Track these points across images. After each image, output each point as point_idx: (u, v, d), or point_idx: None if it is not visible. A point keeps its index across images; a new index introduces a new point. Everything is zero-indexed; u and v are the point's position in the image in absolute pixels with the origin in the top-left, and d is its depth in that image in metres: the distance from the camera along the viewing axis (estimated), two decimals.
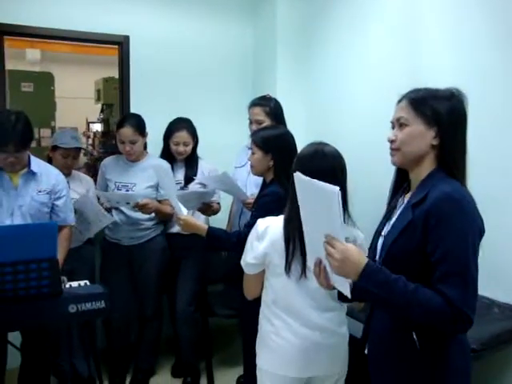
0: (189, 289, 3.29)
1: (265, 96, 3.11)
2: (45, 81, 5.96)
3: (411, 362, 1.52)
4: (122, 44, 3.59)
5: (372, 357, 1.67)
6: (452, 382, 1.52)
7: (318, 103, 3.67)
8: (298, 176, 1.49)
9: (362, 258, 1.42)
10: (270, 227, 1.92)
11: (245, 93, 3.70)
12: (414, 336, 1.48)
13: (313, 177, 1.41)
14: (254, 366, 2.06)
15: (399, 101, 1.60)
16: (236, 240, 2.30)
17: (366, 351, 1.71)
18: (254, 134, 2.57)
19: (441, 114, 1.50)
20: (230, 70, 3.95)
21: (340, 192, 1.31)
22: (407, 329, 1.50)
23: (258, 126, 2.91)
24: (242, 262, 2.01)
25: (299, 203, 1.54)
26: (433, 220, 1.42)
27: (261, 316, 2.02)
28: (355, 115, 3.28)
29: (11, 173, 2.65)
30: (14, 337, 2.76)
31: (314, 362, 1.93)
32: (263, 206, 2.33)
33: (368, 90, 3.18)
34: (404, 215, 1.54)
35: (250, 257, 1.95)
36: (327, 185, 1.34)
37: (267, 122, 2.95)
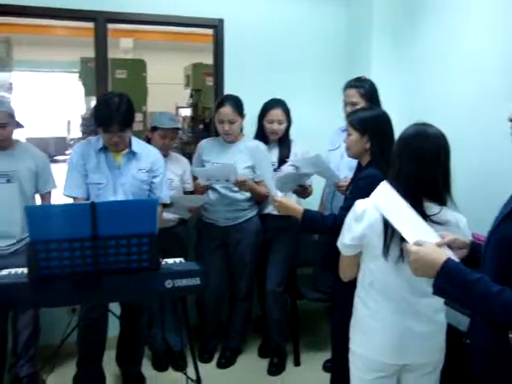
0: (279, 270, 3.31)
1: (360, 77, 3.05)
2: (137, 68, 6.17)
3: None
4: (216, 27, 3.63)
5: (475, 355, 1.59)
6: None
7: (414, 86, 3.54)
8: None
9: (440, 257, 1.39)
10: (369, 208, 1.87)
11: (339, 75, 3.63)
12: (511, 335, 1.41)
13: (415, 158, 1.46)
14: (343, 350, 2.03)
15: None
16: (331, 223, 2.27)
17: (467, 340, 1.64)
18: (350, 115, 2.52)
19: None
20: (324, 52, 3.89)
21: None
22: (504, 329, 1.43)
23: (353, 107, 2.86)
24: (339, 243, 1.98)
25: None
26: None
27: (356, 299, 1.99)
28: (451, 100, 3.15)
29: (115, 153, 2.79)
30: (115, 308, 2.91)
31: (409, 348, 1.87)
32: (360, 189, 2.28)
33: (463, 76, 3.04)
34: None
35: (348, 238, 1.92)
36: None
37: (362, 104, 2.89)
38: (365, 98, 2.92)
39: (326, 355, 3.15)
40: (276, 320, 3.34)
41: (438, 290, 1.44)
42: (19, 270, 2.39)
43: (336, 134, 3.17)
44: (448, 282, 1.38)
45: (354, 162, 2.56)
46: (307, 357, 3.42)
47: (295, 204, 2.51)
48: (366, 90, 2.95)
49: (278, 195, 2.52)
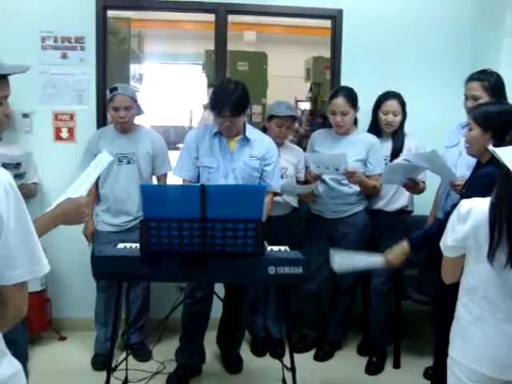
0: (386, 268, 3.21)
1: (485, 70, 2.85)
2: (259, 60, 6.27)
3: None
4: (335, 18, 3.60)
5: None
6: None
7: None
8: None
9: None
10: (475, 208, 1.74)
11: (460, 68, 3.41)
12: None
13: None
14: (446, 357, 1.91)
15: None
16: (437, 232, 2.15)
17: None
18: (474, 109, 2.37)
19: None
20: (446, 44, 3.69)
21: None
22: None
23: (474, 102, 2.69)
24: (442, 245, 1.86)
25: None
26: None
27: (459, 303, 1.86)
28: None
29: (229, 138, 2.87)
30: (219, 291, 3.02)
31: None
32: (476, 188, 2.14)
33: None
34: None
35: (451, 239, 1.80)
36: None
37: (485, 99, 2.71)
38: (488, 92, 2.73)
39: (428, 362, 3.00)
40: (378, 318, 3.26)
41: None
42: (133, 245, 2.57)
43: (455, 131, 3.00)
44: None
45: (472, 161, 2.42)
46: (408, 360, 3.28)
47: (399, 247, 2.42)
48: (491, 83, 2.75)
49: None
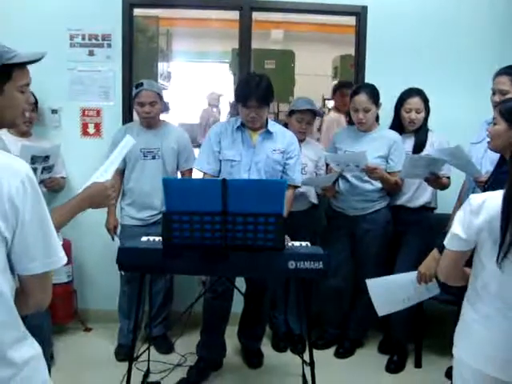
0: (409, 265, 3.16)
1: None
2: (286, 58, 6.27)
3: None
4: (359, 14, 3.58)
5: None
6: None
7: None
8: None
9: None
10: (488, 201, 1.68)
11: (485, 64, 3.35)
12: None
13: None
14: None
15: None
16: None
17: None
18: (501, 103, 2.33)
19: None
20: (470, 40, 3.62)
21: None
22: None
23: (502, 96, 2.64)
24: (449, 237, 1.77)
25: None
26: None
27: (465, 302, 1.81)
28: None
29: (252, 131, 2.90)
30: (240, 285, 3.04)
31: None
32: (501, 184, 2.10)
33: None
34: None
35: (460, 229, 1.71)
36: None
37: None
38: None
39: (451, 361, 2.95)
40: (400, 316, 3.18)
41: None
42: (157, 238, 2.61)
43: (482, 127, 2.95)
44: None
45: (498, 158, 2.37)
46: (429, 360, 3.24)
47: (430, 257, 2.39)
48: None
49: None
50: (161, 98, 3.22)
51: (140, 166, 3.20)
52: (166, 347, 3.33)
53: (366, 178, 3.10)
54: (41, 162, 2.95)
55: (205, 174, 2.96)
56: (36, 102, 3.30)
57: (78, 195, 1.77)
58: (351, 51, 5.91)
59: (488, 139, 2.33)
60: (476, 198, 1.72)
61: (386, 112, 3.29)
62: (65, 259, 1.27)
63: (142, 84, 3.17)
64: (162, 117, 3.39)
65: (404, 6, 3.61)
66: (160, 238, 2.50)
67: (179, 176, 3.35)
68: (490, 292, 1.70)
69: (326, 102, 7.57)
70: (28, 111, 3.14)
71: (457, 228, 1.74)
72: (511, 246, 1.63)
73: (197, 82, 7.65)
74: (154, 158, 3.20)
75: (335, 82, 6.66)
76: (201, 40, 7.27)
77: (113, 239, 3.28)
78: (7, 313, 1.22)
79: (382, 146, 3.15)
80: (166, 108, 3.32)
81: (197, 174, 3.24)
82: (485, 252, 1.72)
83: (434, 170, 2.96)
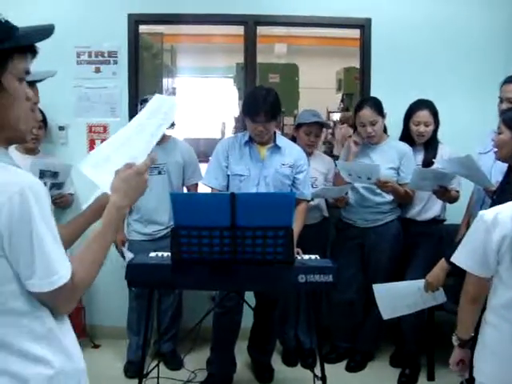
0: (418, 277, 3.14)
1: None
2: (290, 72, 6.28)
3: None
4: (363, 27, 3.59)
5: None
6: None
7: None
8: None
9: None
10: (501, 214, 1.65)
11: (493, 75, 3.35)
12: None
13: None
14: None
15: None
16: None
17: None
18: (505, 113, 2.33)
19: None
20: (478, 50, 3.63)
21: None
22: None
23: (509, 105, 2.66)
24: (469, 264, 1.71)
25: None
26: None
27: (484, 324, 1.74)
28: None
29: (260, 146, 2.89)
30: (250, 300, 3.01)
31: None
32: (506, 193, 2.09)
33: None
34: None
35: (479, 254, 1.66)
36: None
37: None
38: None
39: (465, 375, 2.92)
40: (411, 329, 3.19)
41: None
42: (165, 254, 2.60)
43: (489, 136, 2.93)
44: None
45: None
46: (443, 372, 3.18)
47: (438, 266, 2.46)
48: None
49: None
50: None
51: None
52: (176, 363, 3.30)
53: (378, 190, 3.09)
54: (49, 177, 2.96)
55: (212, 189, 2.95)
56: (45, 119, 3.32)
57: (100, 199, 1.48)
58: (355, 63, 5.94)
59: (495, 149, 2.33)
60: (488, 214, 1.68)
61: (394, 124, 3.29)
62: (67, 276, 1.14)
63: (146, 100, 3.17)
64: (169, 132, 3.39)
65: (408, 18, 3.62)
66: (168, 253, 2.49)
67: (185, 191, 3.35)
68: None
69: (331, 114, 7.60)
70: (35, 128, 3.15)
71: (475, 253, 1.69)
72: None
73: (202, 96, 7.70)
74: (159, 173, 3.20)
75: (339, 94, 6.69)
76: (205, 55, 7.32)
77: (122, 256, 3.24)
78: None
79: (392, 157, 3.14)
80: (172, 123, 3.31)
81: (203, 189, 3.23)
82: (505, 266, 1.66)
83: (442, 183, 2.95)
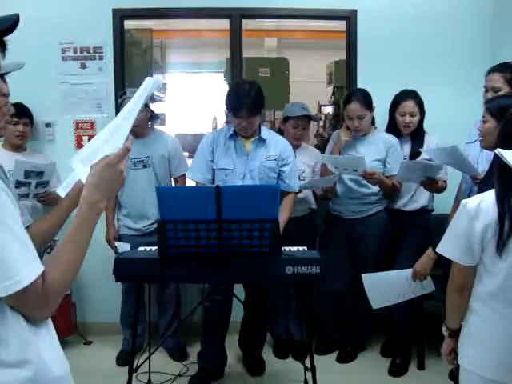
0: (406, 267, 3.16)
1: (507, 62, 2.80)
2: (280, 66, 6.23)
3: None
4: (349, 18, 3.59)
5: None
6: None
7: None
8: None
9: None
10: (484, 201, 1.65)
11: (479, 64, 3.36)
12: None
13: None
14: None
15: None
16: None
17: None
18: (489, 101, 2.33)
19: None
20: (464, 40, 3.64)
21: None
22: None
23: (494, 94, 2.64)
24: (454, 254, 1.71)
25: None
26: None
27: (468, 313, 1.75)
28: None
29: (244, 139, 2.89)
30: (239, 294, 3.02)
31: None
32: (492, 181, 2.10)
33: None
34: None
35: (465, 244, 1.66)
36: None
37: (505, 91, 2.65)
38: (509, 84, 2.67)
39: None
40: (401, 319, 3.20)
41: None
42: (153, 248, 2.60)
43: (475, 126, 2.94)
44: None
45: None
46: (433, 361, 3.21)
47: (425, 256, 2.58)
48: None
49: None
50: (145, 106, 3.20)
51: (131, 176, 3.14)
52: (182, 355, 3.33)
53: (364, 181, 3.09)
54: (34, 177, 2.95)
55: (197, 183, 2.95)
56: (31, 117, 3.29)
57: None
58: (345, 56, 5.95)
59: (480, 138, 2.34)
60: (471, 202, 1.68)
61: (380, 115, 3.29)
62: (30, 278, 1.06)
63: (124, 93, 3.16)
64: (157, 126, 3.39)
65: (394, 9, 3.62)
66: (156, 247, 2.49)
67: (173, 183, 3.34)
68: (499, 299, 1.65)
69: (322, 108, 7.60)
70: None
71: (459, 242, 1.70)
72: (507, 244, 1.60)
73: (193, 92, 7.67)
74: (144, 166, 3.19)
75: (330, 87, 6.68)
76: (195, 51, 7.30)
77: (116, 251, 3.22)
78: None
79: (379, 149, 3.15)
80: (154, 116, 3.29)
81: (190, 182, 3.23)
82: (489, 254, 1.66)
83: (429, 174, 2.96)
